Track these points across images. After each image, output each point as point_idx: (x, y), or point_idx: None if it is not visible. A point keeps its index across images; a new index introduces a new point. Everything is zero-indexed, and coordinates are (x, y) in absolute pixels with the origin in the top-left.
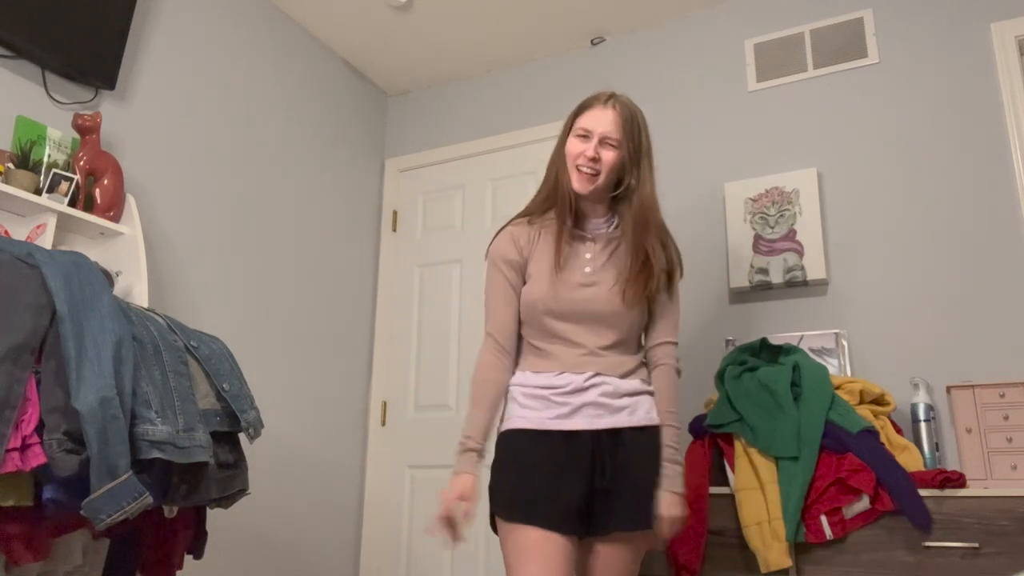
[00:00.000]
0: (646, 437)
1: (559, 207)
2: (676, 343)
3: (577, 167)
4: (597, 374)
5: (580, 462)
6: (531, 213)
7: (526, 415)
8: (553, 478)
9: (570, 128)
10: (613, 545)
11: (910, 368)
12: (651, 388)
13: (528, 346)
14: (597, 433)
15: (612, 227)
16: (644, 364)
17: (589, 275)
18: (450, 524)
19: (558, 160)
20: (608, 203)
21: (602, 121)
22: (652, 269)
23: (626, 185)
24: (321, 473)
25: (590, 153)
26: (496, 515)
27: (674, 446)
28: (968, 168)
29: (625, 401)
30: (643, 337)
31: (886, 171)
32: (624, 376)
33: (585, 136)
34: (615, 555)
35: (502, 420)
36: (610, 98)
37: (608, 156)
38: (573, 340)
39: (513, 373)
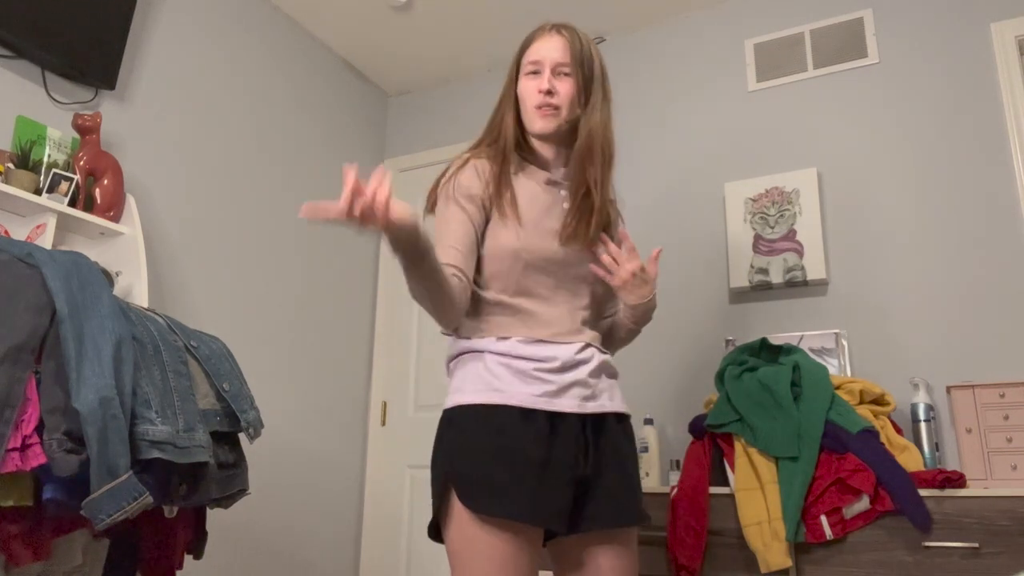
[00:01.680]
0: (623, 425)
1: (498, 147)
2: None
3: (536, 107)
4: (588, 345)
5: (565, 450)
6: (485, 146)
7: (504, 388)
8: (540, 467)
9: (518, 68)
10: (604, 548)
11: (910, 368)
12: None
13: (495, 305)
14: (583, 418)
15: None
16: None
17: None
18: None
19: (504, 104)
20: (571, 147)
21: (550, 49)
22: (592, 205)
23: (576, 116)
24: (321, 473)
25: (544, 86)
26: (467, 506)
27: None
28: (968, 168)
29: (605, 383)
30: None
31: (886, 171)
32: (603, 347)
33: (536, 72)
34: (610, 558)
35: (457, 391)
36: (554, 26)
37: (564, 86)
38: (554, 301)
39: (466, 305)
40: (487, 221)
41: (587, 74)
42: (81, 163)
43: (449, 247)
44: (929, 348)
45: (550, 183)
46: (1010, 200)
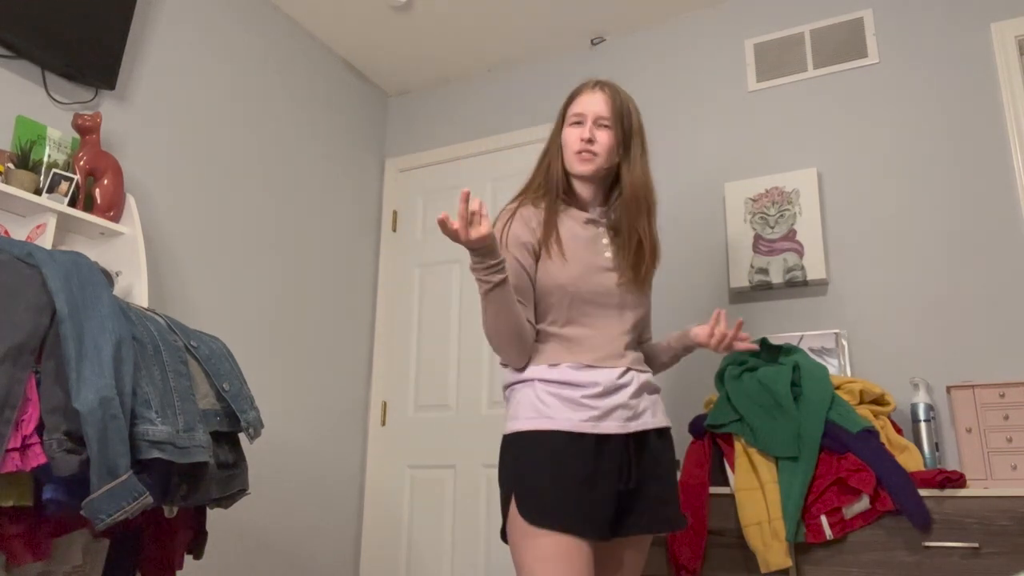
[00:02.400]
0: (664, 439)
1: (549, 188)
2: None
3: (576, 152)
4: (629, 370)
5: (611, 466)
6: (532, 194)
7: (554, 416)
8: (589, 484)
9: (563, 119)
10: (632, 549)
11: (910, 368)
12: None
13: (547, 335)
14: (626, 436)
15: (614, 214)
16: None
17: (610, 260)
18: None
19: (552, 151)
20: (607, 190)
21: (592, 103)
22: (644, 252)
23: (619, 168)
24: (321, 473)
25: (586, 135)
26: (525, 519)
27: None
28: (968, 168)
29: (646, 401)
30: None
31: (886, 171)
32: (644, 367)
33: (579, 122)
34: (636, 558)
35: (513, 418)
36: (597, 83)
37: (603, 136)
38: (599, 327)
39: (534, 339)
40: (537, 260)
41: (626, 127)
42: (81, 163)
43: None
44: (929, 348)
45: (589, 221)
46: (1010, 200)
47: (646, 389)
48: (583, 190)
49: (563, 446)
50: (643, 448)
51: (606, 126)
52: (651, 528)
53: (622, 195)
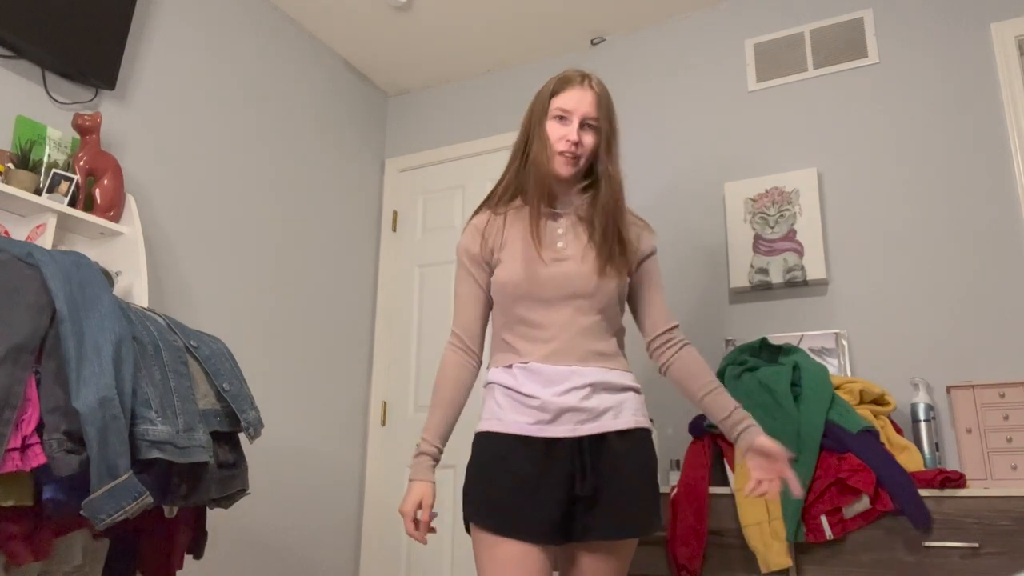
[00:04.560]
0: (632, 441)
1: (533, 191)
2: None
3: (560, 153)
4: (586, 366)
5: (560, 470)
6: (496, 200)
7: (503, 417)
8: (530, 487)
9: (546, 110)
10: (595, 555)
11: (910, 368)
12: (636, 385)
13: (500, 340)
14: (579, 439)
15: (584, 204)
16: (622, 352)
17: (563, 249)
18: (418, 531)
19: (529, 143)
20: (578, 181)
21: (582, 102)
22: (625, 245)
23: (598, 168)
24: (321, 473)
25: (573, 137)
26: (469, 521)
27: (737, 405)
28: (968, 168)
29: (608, 401)
30: (644, 327)
31: (886, 171)
32: (607, 364)
33: (564, 118)
34: (597, 565)
35: (480, 419)
36: (585, 77)
37: (589, 139)
38: (547, 324)
39: (478, 370)
40: (491, 266)
41: (610, 127)
42: (81, 163)
43: (457, 310)
44: (929, 348)
45: (545, 215)
46: (1010, 200)
47: (606, 388)
48: (554, 187)
49: (510, 449)
50: (600, 452)
51: (593, 127)
52: (609, 534)
53: (602, 197)
